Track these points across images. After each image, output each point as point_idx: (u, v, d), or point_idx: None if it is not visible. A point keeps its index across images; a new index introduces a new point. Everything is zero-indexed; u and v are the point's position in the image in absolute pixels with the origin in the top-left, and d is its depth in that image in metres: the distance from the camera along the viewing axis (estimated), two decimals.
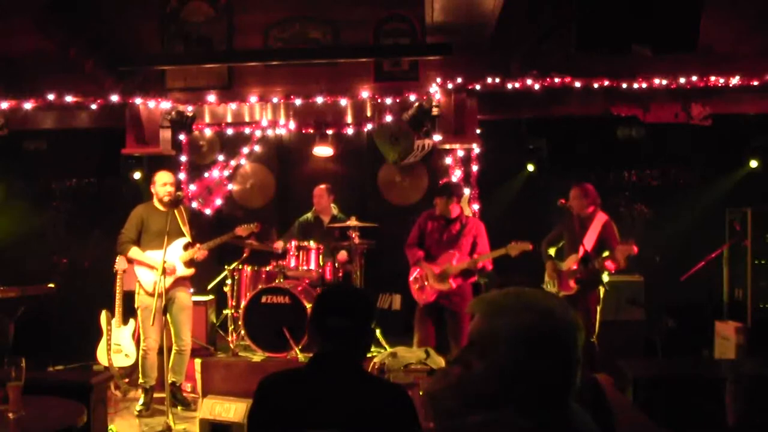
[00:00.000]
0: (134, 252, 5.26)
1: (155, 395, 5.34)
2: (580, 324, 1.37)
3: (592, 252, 5.19)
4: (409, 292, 5.68)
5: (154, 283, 5.11)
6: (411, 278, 5.54)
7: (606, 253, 5.23)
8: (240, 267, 5.93)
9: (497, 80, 5.72)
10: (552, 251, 5.65)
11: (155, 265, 5.09)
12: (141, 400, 5.27)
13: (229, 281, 5.82)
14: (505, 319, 1.35)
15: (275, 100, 6.29)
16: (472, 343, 1.39)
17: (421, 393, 3.68)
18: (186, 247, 5.34)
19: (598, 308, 5.29)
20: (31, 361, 3.14)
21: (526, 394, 1.31)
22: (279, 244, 6.28)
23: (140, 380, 5.29)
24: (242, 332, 5.62)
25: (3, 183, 6.93)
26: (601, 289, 5.23)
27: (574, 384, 1.34)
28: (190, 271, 5.40)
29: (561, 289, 5.40)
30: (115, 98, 5.98)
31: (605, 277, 5.25)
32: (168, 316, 5.25)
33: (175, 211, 5.17)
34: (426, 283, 5.39)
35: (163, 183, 5.26)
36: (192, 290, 5.96)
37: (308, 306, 5.53)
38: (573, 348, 1.35)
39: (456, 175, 6.29)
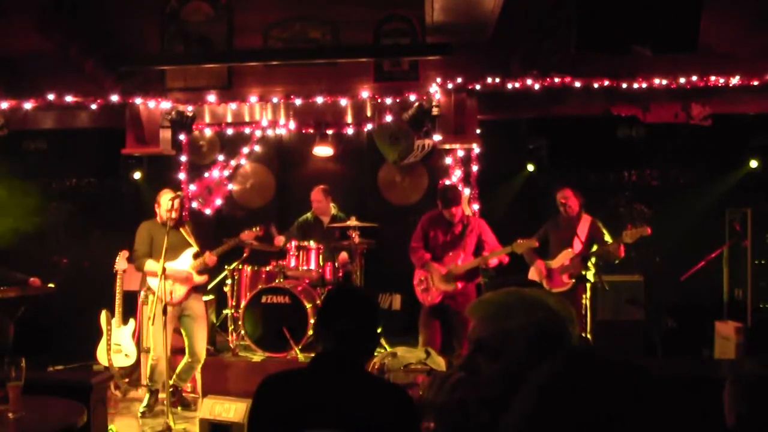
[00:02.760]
0: (150, 264, 5.21)
1: None
2: (575, 318, 1.38)
3: (583, 248, 5.36)
4: (409, 292, 5.69)
5: (170, 293, 5.16)
6: (416, 281, 5.55)
7: (598, 245, 5.42)
8: (240, 267, 5.93)
9: (497, 80, 5.71)
10: None
11: (172, 275, 5.14)
12: (145, 402, 5.25)
13: (229, 281, 5.82)
14: (517, 319, 1.34)
15: (275, 100, 6.28)
16: (481, 347, 1.37)
17: (420, 393, 3.68)
18: (195, 256, 5.34)
19: (587, 302, 5.39)
20: (31, 361, 3.14)
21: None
22: (280, 240, 6.27)
23: (147, 382, 5.28)
24: (242, 332, 5.62)
25: (3, 183, 6.93)
26: (587, 285, 5.36)
27: None
28: (203, 279, 5.40)
29: (552, 286, 5.47)
30: (115, 98, 5.98)
31: (590, 276, 5.37)
32: (182, 327, 5.28)
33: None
34: (431, 285, 5.40)
35: (167, 209, 5.13)
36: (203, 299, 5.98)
37: (308, 306, 5.53)
38: (574, 342, 1.35)
39: (456, 175, 6.29)
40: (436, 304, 5.41)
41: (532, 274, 5.66)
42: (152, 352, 5.23)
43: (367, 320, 2.20)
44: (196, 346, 5.29)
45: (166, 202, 5.20)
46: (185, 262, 5.30)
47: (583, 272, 5.33)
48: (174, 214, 5.09)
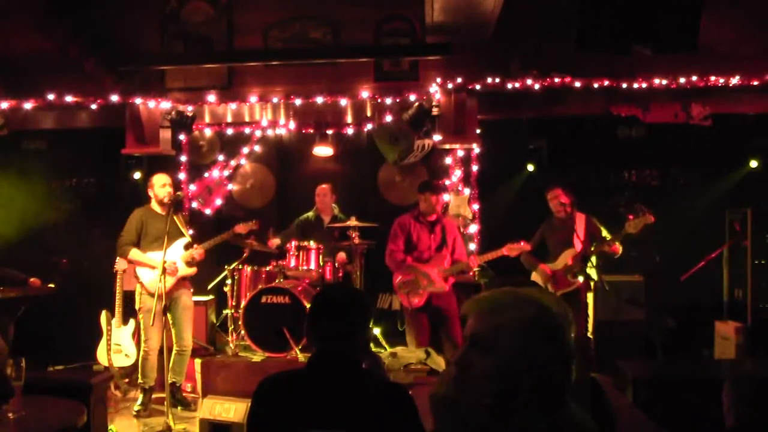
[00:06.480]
0: (134, 253, 5.27)
1: (155, 395, 5.34)
2: (572, 318, 1.39)
3: (584, 246, 5.30)
4: None
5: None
6: (396, 283, 5.51)
7: (596, 242, 5.38)
8: (240, 267, 5.93)
9: (497, 80, 5.72)
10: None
11: (157, 265, 5.12)
12: (139, 400, 5.27)
13: (229, 281, 5.82)
14: (509, 314, 1.35)
15: (275, 100, 6.29)
16: (474, 343, 1.38)
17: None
18: (187, 246, 5.37)
19: (590, 301, 5.37)
20: (31, 361, 3.14)
21: (531, 390, 1.31)
22: (273, 242, 6.27)
23: (139, 380, 5.30)
24: (242, 332, 5.62)
25: (2, 183, 6.93)
26: (591, 283, 5.34)
27: (571, 380, 1.35)
28: (192, 271, 5.42)
29: (558, 288, 5.42)
30: (115, 98, 5.98)
31: (594, 274, 5.35)
32: (169, 316, 5.27)
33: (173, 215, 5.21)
34: (420, 287, 5.36)
35: (162, 184, 5.27)
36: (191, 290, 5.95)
37: (308, 306, 5.53)
38: (569, 341, 1.36)
39: (456, 175, 6.29)
40: (422, 306, 5.40)
41: (536, 279, 5.64)
42: (143, 345, 5.25)
43: (349, 320, 2.17)
44: (183, 333, 5.31)
45: (160, 178, 5.29)
46: (175, 252, 5.30)
47: (587, 270, 5.30)
48: (170, 188, 5.21)
